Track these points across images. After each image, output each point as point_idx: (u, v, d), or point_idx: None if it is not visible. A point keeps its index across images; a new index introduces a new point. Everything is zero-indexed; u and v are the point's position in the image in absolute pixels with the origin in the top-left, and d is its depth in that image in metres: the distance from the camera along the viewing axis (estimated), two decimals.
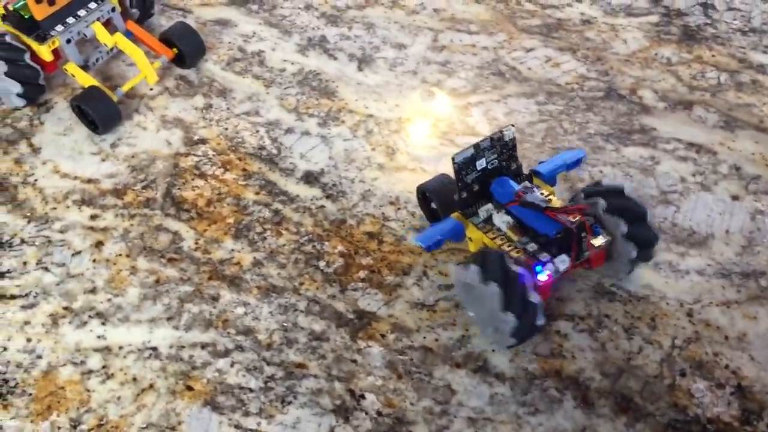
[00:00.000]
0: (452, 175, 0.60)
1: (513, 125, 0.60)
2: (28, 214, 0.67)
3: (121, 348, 0.59)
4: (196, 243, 0.65)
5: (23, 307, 0.62)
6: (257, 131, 0.73)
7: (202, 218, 0.67)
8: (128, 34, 0.76)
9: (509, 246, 0.58)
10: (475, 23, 0.81)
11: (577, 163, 0.63)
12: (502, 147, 0.60)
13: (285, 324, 0.60)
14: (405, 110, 0.74)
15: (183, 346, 0.59)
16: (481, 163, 0.59)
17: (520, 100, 0.74)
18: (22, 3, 0.71)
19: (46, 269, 0.64)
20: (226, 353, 0.59)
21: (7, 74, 0.71)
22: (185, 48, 0.76)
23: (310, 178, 0.69)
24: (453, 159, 0.58)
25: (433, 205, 0.64)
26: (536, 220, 0.57)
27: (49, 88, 0.76)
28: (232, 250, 0.65)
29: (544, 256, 0.56)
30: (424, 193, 0.65)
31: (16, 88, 0.72)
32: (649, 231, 0.58)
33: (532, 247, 0.57)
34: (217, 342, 0.59)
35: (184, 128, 0.74)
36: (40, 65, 0.73)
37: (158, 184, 0.69)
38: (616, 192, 0.58)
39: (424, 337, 0.59)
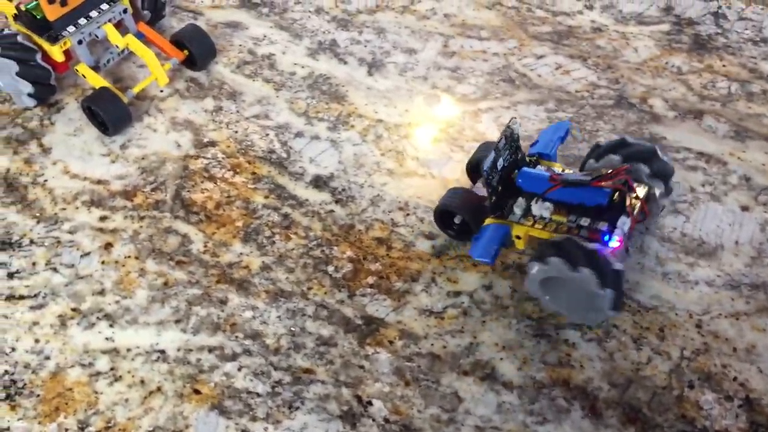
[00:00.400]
0: (457, 185, 0.60)
1: (516, 118, 0.60)
2: (38, 214, 0.68)
3: (129, 350, 0.59)
4: (205, 246, 0.65)
5: (32, 308, 0.62)
6: (267, 134, 0.73)
7: (211, 221, 0.67)
8: (139, 36, 0.76)
9: (562, 228, 0.59)
10: (485, 29, 0.81)
11: (567, 133, 0.66)
12: (512, 142, 0.61)
13: (293, 329, 0.60)
14: (414, 115, 0.74)
15: (191, 350, 0.59)
16: (500, 163, 0.60)
17: (530, 107, 0.74)
18: (34, 3, 0.72)
19: (55, 270, 0.64)
20: (234, 357, 0.59)
21: (18, 74, 0.71)
22: (196, 50, 0.76)
23: (319, 183, 0.69)
24: (482, 168, 0.58)
25: (456, 221, 0.64)
26: (583, 195, 0.58)
27: (60, 89, 0.77)
28: (241, 253, 0.65)
29: (603, 225, 0.58)
30: (443, 214, 0.64)
31: (28, 88, 0.72)
32: (665, 163, 0.61)
33: (585, 221, 0.58)
34: (224, 346, 0.60)
35: (194, 130, 0.74)
36: (51, 65, 0.73)
37: (167, 186, 0.69)
38: (621, 144, 0.61)
39: (432, 344, 0.59)
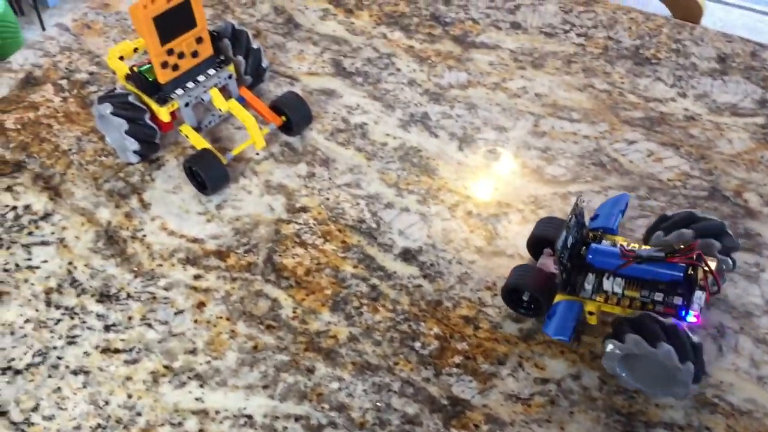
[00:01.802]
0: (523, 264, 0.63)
1: (581, 194, 0.64)
2: (135, 268, 0.70)
3: (217, 413, 0.60)
4: (294, 312, 0.67)
5: (126, 362, 0.64)
6: (357, 203, 0.75)
7: (300, 287, 0.68)
8: (240, 100, 0.80)
9: (636, 304, 0.60)
10: (576, 111, 0.82)
11: (626, 206, 0.68)
12: (579, 218, 0.62)
13: (378, 404, 0.61)
14: (504, 194, 0.75)
15: (277, 417, 0.60)
16: (569, 240, 0.61)
17: (621, 192, 0.74)
18: (147, 66, 0.75)
19: (150, 326, 0.66)
20: (320, 428, 0.59)
21: (127, 132, 0.74)
22: (294, 117, 0.79)
23: (407, 256, 0.70)
24: (555, 247, 0.59)
25: (525, 297, 0.64)
26: (656, 270, 0.59)
27: (161, 146, 0.80)
28: (329, 322, 0.66)
29: (678, 299, 0.59)
30: (512, 292, 0.64)
31: (134, 145, 0.75)
32: (733, 240, 0.63)
33: (659, 296, 0.59)
34: (311, 416, 0.60)
35: (287, 195, 0.76)
36: (158, 125, 0.77)
37: (260, 249, 0.71)
38: (691, 218, 0.63)
39: None
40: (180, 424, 0.60)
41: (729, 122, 0.80)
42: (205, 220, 0.74)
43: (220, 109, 0.78)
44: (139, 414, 0.60)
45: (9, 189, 0.77)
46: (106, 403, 0.61)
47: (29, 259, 0.71)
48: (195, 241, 0.72)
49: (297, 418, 0.60)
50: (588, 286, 0.61)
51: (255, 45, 0.81)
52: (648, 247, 0.62)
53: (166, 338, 0.65)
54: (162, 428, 0.60)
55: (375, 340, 0.65)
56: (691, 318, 0.58)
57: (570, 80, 0.86)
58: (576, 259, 0.62)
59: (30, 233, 0.73)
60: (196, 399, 0.61)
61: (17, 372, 0.63)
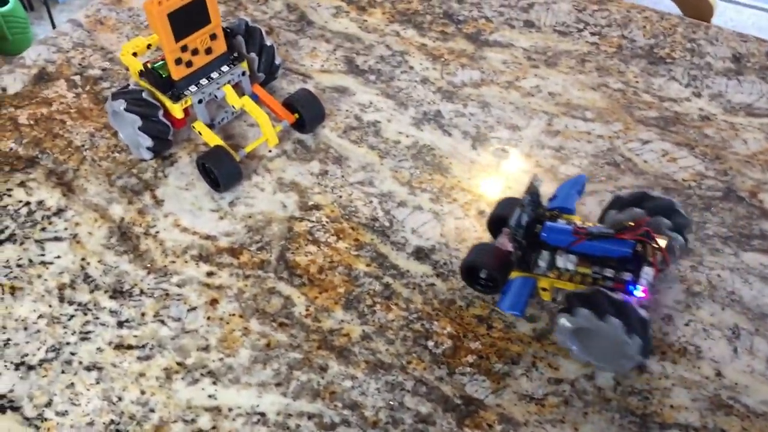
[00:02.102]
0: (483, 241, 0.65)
1: (537, 174, 0.64)
2: (149, 265, 0.70)
3: (230, 410, 0.60)
4: (307, 310, 0.66)
5: (139, 359, 0.64)
6: (370, 201, 0.75)
7: (313, 285, 0.68)
8: (254, 97, 0.79)
9: (588, 279, 0.61)
10: (590, 110, 0.82)
11: (583, 187, 0.68)
12: (535, 198, 0.63)
13: (391, 402, 0.61)
14: (518, 193, 0.74)
15: (290, 415, 0.60)
16: (524, 219, 0.62)
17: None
18: (161, 63, 0.75)
19: (163, 322, 0.66)
20: (332, 427, 0.59)
21: (141, 128, 0.74)
22: (307, 114, 0.79)
23: (420, 254, 0.70)
24: (509, 224, 0.61)
25: (482, 275, 0.66)
26: (607, 247, 0.61)
27: (174, 143, 0.80)
28: (342, 320, 0.66)
29: (627, 275, 0.60)
30: (470, 269, 0.66)
31: (147, 142, 0.75)
32: (684, 218, 0.63)
33: (609, 272, 0.61)
34: (323, 414, 0.60)
35: (300, 192, 0.76)
36: (171, 122, 0.77)
37: (273, 247, 0.71)
38: (642, 198, 0.64)
39: None
40: (193, 420, 0.60)
41: (744, 122, 0.80)
42: (217, 217, 0.74)
43: (233, 106, 0.78)
44: (152, 410, 0.60)
45: (22, 184, 0.77)
46: (120, 399, 0.61)
47: (42, 255, 0.71)
48: (208, 238, 0.72)
49: (310, 416, 0.60)
50: (542, 263, 0.62)
51: (268, 42, 0.81)
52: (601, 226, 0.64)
53: (179, 335, 0.65)
54: (175, 425, 0.60)
55: (388, 339, 0.64)
56: (639, 293, 0.59)
57: (584, 79, 0.85)
58: (531, 237, 0.64)
59: (43, 229, 0.73)
60: (209, 396, 0.61)
61: (30, 367, 0.63)
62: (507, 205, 0.67)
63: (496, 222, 0.67)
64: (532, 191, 0.63)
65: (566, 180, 0.70)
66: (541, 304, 0.66)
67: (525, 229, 0.62)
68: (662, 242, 0.61)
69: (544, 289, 0.63)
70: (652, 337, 0.59)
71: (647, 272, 0.60)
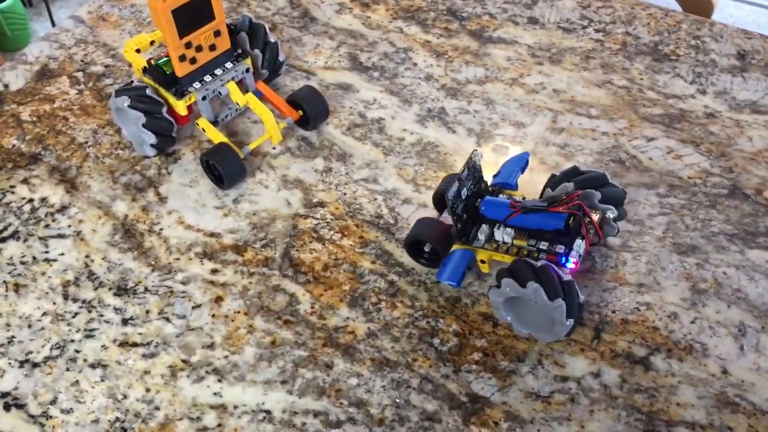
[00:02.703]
0: (426, 216, 0.67)
1: (477, 150, 0.66)
2: (153, 262, 0.70)
3: (236, 407, 0.60)
4: (312, 307, 0.66)
5: (144, 356, 0.63)
6: (375, 199, 0.74)
7: (318, 282, 0.68)
8: (257, 94, 0.79)
9: (523, 252, 0.63)
10: (595, 107, 0.82)
11: (527, 164, 0.70)
12: (475, 172, 0.65)
13: (397, 400, 0.60)
14: (523, 191, 0.74)
15: (296, 412, 0.60)
16: (464, 192, 0.64)
17: (641, 190, 0.73)
18: (165, 59, 0.75)
19: (167, 320, 0.66)
20: (338, 424, 0.59)
21: (144, 125, 0.74)
22: (311, 111, 0.78)
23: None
24: (446, 196, 0.62)
25: (427, 249, 0.67)
26: (541, 220, 0.63)
27: (178, 140, 0.79)
28: (347, 318, 0.66)
29: (560, 248, 0.62)
30: (413, 243, 0.67)
31: (151, 138, 0.75)
32: (616, 189, 0.66)
33: (543, 245, 0.63)
34: (329, 411, 0.60)
35: (304, 190, 0.75)
36: (174, 119, 0.76)
37: (277, 244, 0.71)
38: (574, 172, 0.66)
39: (539, 430, 0.58)
40: (198, 418, 0.60)
41: (749, 119, 0.80)
42: (222, 215, 0.74)
43: (237, 103, 0.77)
44: (157, 408, 0.60)
45: (25, 181, 0.77)
46: (125, 396, 0.61)
47: (46, 252, 0.71)
48: (212, 235, 0.72)
49: (315, 414, 0.60)
50: (481, 236, 0.65)
51: (272, 39, 0.80)
52: (536, 200, 0.65)
53: (184, 332, 0.65)
54: (180, 422, 0.59)
55: (393, 337, 0.64)
56: (570, 264, 0.61)
57: (588, 76, 0.85)
58: (472, 211, 0.65)
59: (47, 226, 0.73)
60: (215, 394, 0.61)
61: (35, 365, 0.63)
62: (449, 181, 0.69)
63: (440, 197, 0.69)
64: (471, 166, 0.64)
65: (512, 157, 0.71)
66: None
67: (465, 202, 0.64)
68: (595, 216, 0.63)
69: (483, 262, 0.65)
70: (583, 302, 0.60)
71: (579, 245, 0.62)
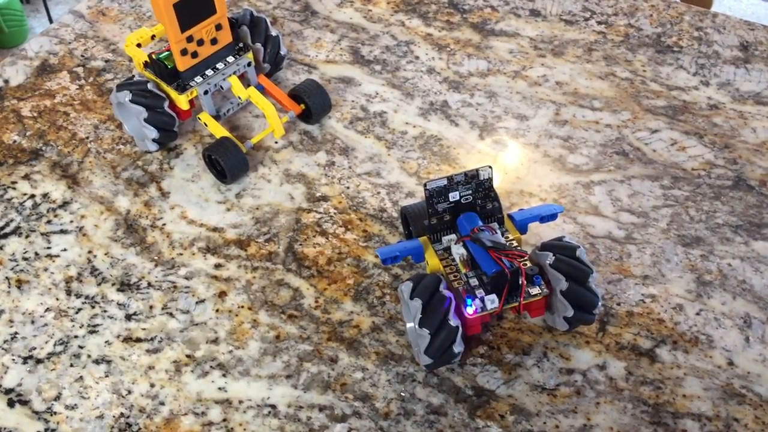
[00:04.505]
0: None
1: (490, 166, 0.62)
2: (156, 257, 0.69)
3: (241, 402, 0.60)
4: (316, 301, 0.66)
5: (148, 351, 0.63)
6: (378, 192, 0.74)
7: (322, 276, 0.68)
8: (259, 88, 0.79)
9: (455, 276, 0.61)
10: (598, 99, 0.81)
11: (553, 217, 0.64)
12: (477, 185, 0.63)
13: (402, 394, 0.60)
14: (526, 183, 0.74)
15: (301, 407, 0.60)
16: (454, 196, 0.62)
17: (645, 182, 0.73)
18: (166, 53, 0.74)
19: (171, 315, 0.65)
20: (344, 418, 0.59)
21: (146, 120, 0.73)
22: (313, 105, 0.78)
23: None
24: (425, 185, 0.61)
25: (411, 227, 0.67)
26: (482, 258, 0.59)
27: (179, 134, 0.79)
28: (352, 312, 0.65)
29: (479, 292, 0.59)
30: (404, 215, 0.67)
31: (153, 133, 0.75)
32: (588, 294, 0.59)
33: (474, 282, 0.60)
34: (334, 405, 0.60)
35: (307, 184, 0.75)
36: (176, 113, 0.76)
37: (280, 239, 0.71)
38: (569, 249, 0.60)
39: (545, 423, 0.58)
40: (203, 413, 0.59)
41: (753, 111, 0.79)
42: (224, 209, 0.73)
43: (239, 97, 0.77)
44: (162, 403, 0.60)
45: (27, 177, 0.76)
46: (129, 392, 0.61)
47: (48, 248, 0.71)
48: (215, 230, 0.72)
49: (321, 408, 0.60)
50: (444, 242, 0.63)
51: (273, 32, 0.80)
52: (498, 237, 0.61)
53: (188, 327, 0.65)
54: (185, 417, 0.59)
55: (398, 330, 0.64)
56: (469, 310, 0.58)
57: (591, 68, 0.85)
58: (453, 217, 0.64)
59: (49, 221, 0.73)
60: (219, 388, 0.61)
61: (39, 361, 0.63)
62: (419, 204, 0.68)
63: (404, 214, 0.69)
64: (471, 175, 0.62)
65: (547, 204, 0.66)
66: None
67: (452, 206, 0.63)
68: (534, 290, 0.59)
69: (428, 263, 0.63)
70: (456, 352, 0.57)
71: (491, 300, 0.58)
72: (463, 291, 0.59)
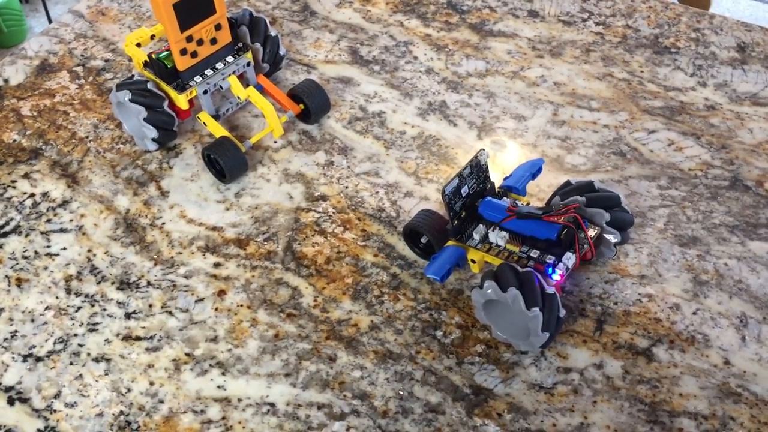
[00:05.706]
0: (430, 208, 0.67)
1: (484, 149, 0.64)
2: (155, 256, 0.70)
3: (240, 400, 0.60)
4: (315, 300, 0.66)
5: (147, 350, 0.63)
6: (377, 192, 0.74)
7: (321, 276, 0.68)
8: (258, 87, 0.79)
9: (513, 258, 0.62)
10: (596, 100, 0.82)
11: (539, 171, 0.68)
12: (479, 171, 0.64)
13: (401, 392, 0.61)
14: (534, 191, 0.74)
15: (300, 405, 0.60)
16: (464, 190, 0.63)
17: (642, 182, 0.74)
18: (166, 53, 0.75)
19: (170, 313, 0.66)
20: (342, 417, 0.59)
21: (146, 120, 0.74)
22: (312, 105, 0.78)
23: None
24: (443, 191, 0.62)
25: (423, 240, 0.67)
26: (535, 228, 0.62)
27: (179, 134, 0.79)
28: (350, 311, 0.66)
29: (550, 258, 0.61)
30: (411, 232, 0.67)
31: (152, 133, 0.75)
32: (626, 214, 0.64)
33: (535, 253, 0.61)
34: (333, 404, 0.60)
35: (306, 183, 0.76)
36: (176, 113, 0.76)
37: (279, 238, 0.71)
38: (588, 187, 0.64)
39: (542, 421, 0.59)
40: (203, 411, 0.60)
41: (750, 112, 0.80)
42: (224, 209, 0.74)
43: (238, 97, 0.77)
44: (161, 401, 0.60)
45: (26, 176, 0.77)
46: (128, 390, 0.61)
47: (48, 247, 0.71)
48: (214, 229, 0.72)
49: (320, 407, 0.60)
50: (476, 236, 0.64)
51: (273, 32, 0.80)
52: (533, 207, 0.64)
53: (187, 326, 0.65)
54: (185, 416, 0.59)
55: (396, 329, 0.64)
56: (556, 276, 0.60)
57: (589, 69, 0.85)
58: (471, 210, 0.65)
59: (48, 220, 0.73)
60: (218, 387, 0.61)
61: (38, 359, 0.63)
62: (423, 215, 0.68)
63: (409, 233, 0.69)
64: (475, 164, 0.64)
65: (526, 162, 0.70)
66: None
67: (465, 200, 0.64)
68: (591, 232, 0.62)
69: (473, 261, 0.64)
70: (563, 317, 0.59)
71: (568, 258, 0.61)
72: (537, 264, 0.60)
